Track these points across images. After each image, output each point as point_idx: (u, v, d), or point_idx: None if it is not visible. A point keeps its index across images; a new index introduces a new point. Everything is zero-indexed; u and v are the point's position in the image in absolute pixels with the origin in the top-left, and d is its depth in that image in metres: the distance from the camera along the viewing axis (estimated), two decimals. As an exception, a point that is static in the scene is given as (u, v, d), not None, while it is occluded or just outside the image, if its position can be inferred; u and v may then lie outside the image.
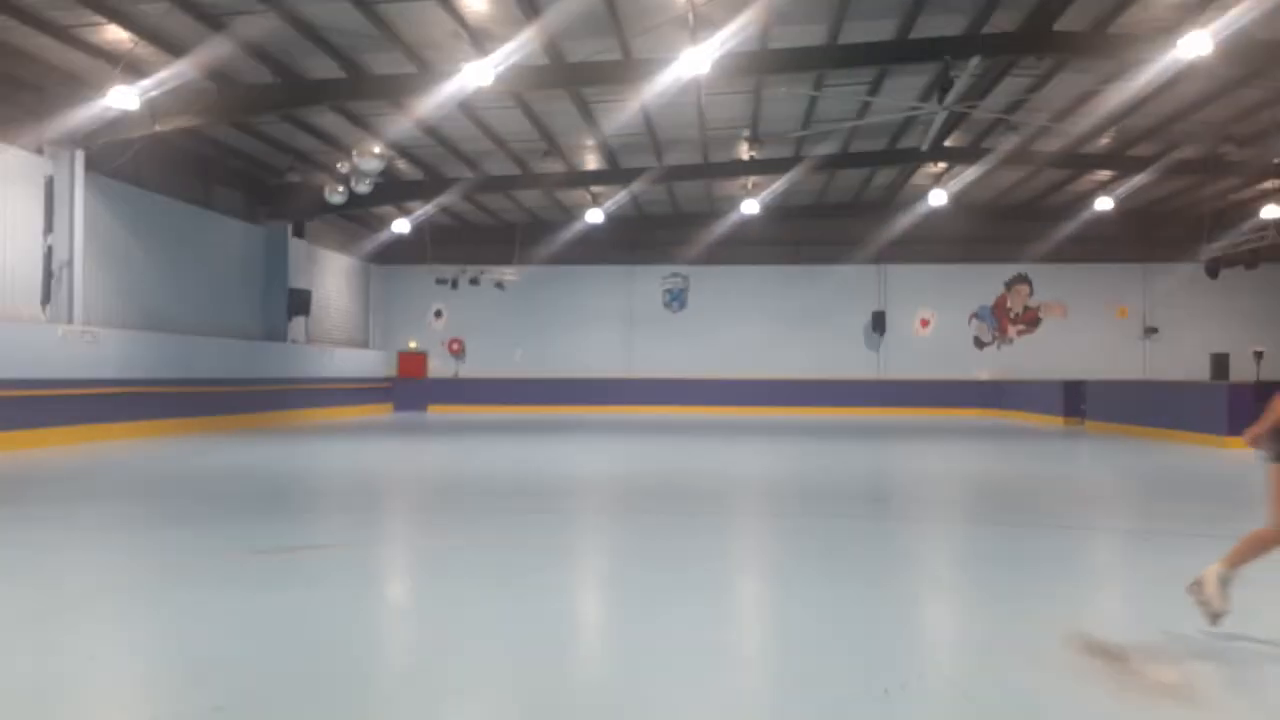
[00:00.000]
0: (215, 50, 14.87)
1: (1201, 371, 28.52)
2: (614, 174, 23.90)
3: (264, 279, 23.60)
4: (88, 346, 16.40)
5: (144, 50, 14.70)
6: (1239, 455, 14.60)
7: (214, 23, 14.12)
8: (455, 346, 31.31)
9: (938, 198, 24.67)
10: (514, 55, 14.59)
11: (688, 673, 4.10)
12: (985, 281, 30.41)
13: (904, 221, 28.32)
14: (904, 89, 18.25)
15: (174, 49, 14.77)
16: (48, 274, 16.24)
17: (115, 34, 14.33)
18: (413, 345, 31.62)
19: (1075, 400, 23.08)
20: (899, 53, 15.47)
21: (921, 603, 5.54)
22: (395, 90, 16.52)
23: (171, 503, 9.47)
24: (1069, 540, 7.58)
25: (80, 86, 15.65)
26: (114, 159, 17.41)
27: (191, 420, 19.08)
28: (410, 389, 30.77)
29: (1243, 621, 4.73)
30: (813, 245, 30.49)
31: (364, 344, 30.21)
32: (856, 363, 30.35)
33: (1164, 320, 29.79)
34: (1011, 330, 30.42)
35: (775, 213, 27.72)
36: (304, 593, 5.51)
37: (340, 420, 24.78)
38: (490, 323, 30.82)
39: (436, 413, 29.69)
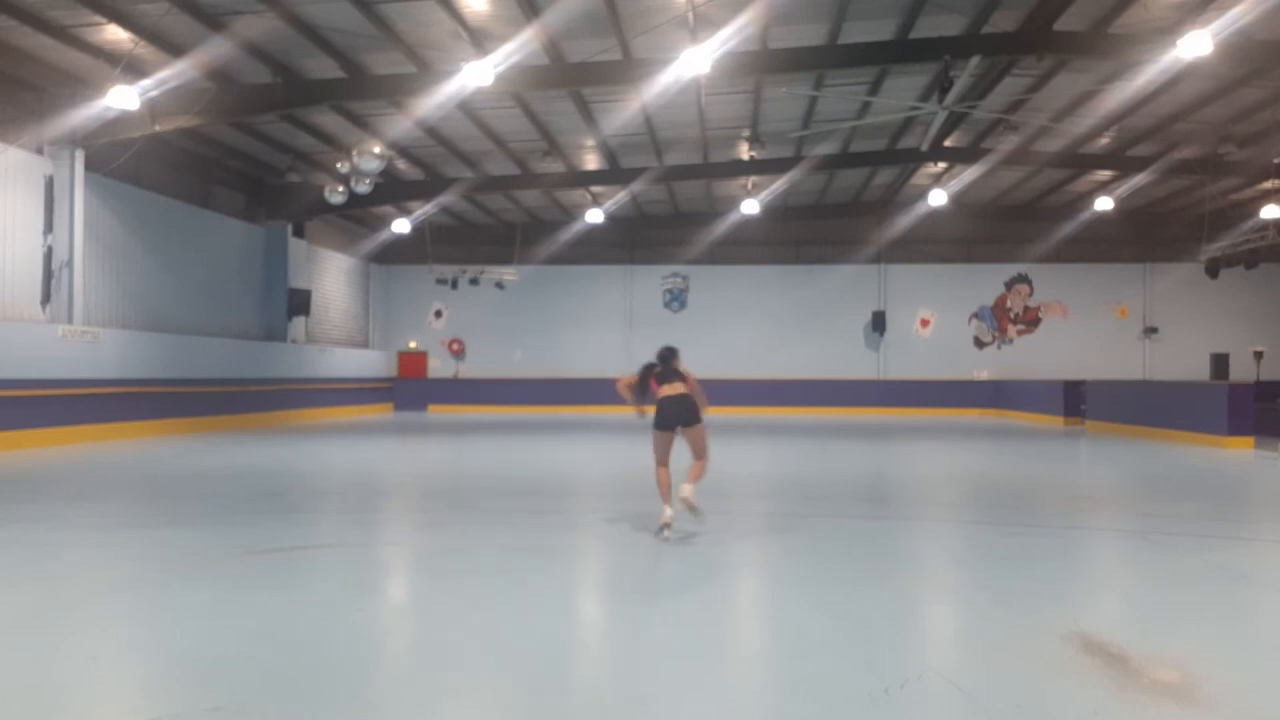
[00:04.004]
0: (215, 50, 14.87)
1: (1201, 371, 28.55)
2: (614, 174, 23.90)
3: (264, 279, 23.60)
4: (88, 346, 16.40)
5: (144, 50, 14.70)
6: (1239, 455, 14.60)
7: (213, 23, 14.12)
8: (455, 346, 31.31)
9: (937, 198, 24.68)
10: (514, 55, 14.58)
11: (688, 672, 4.10)
12: (985, 281, 30.41)
13: (904, 221, 28.36)
14: (904, 89, 18.25)
15: (174, 49, 14.77)
16: (48, 274, 16.25)
17: (115, 34, 14.32)
18: (413, 345, 31.61)
19: (1075, 400, 23.06)
20: (899, 53, 15.46)
21: (921, 602, 5.54)
22: (395, 90, 16.51)
23: (171, 503, 9.47)
24: (1069, 540, 7.58)
25: (80, 86, 15.65)
26: (114, 159, 17.41)
27: (191, 420, 19.08)
28: (410, 389, 30.77)
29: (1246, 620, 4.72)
30: (813, 245, 30.50)
31: (364, 344, 30.21)
32: (856, 363, 30.34)
33: (1164, 320, 29.78)
34: (1011, 330, 30.42)
35: (775, 213, 27.74)
36: (303, 593, 5.51)
37: (340, 420, 24.78)
38: (490, 323, 30.82)
39: (436, 413, 29.68)
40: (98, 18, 13.74)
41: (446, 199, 25.02)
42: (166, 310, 19.76)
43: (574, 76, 16.06)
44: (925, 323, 30.52)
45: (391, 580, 6.36)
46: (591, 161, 23.32)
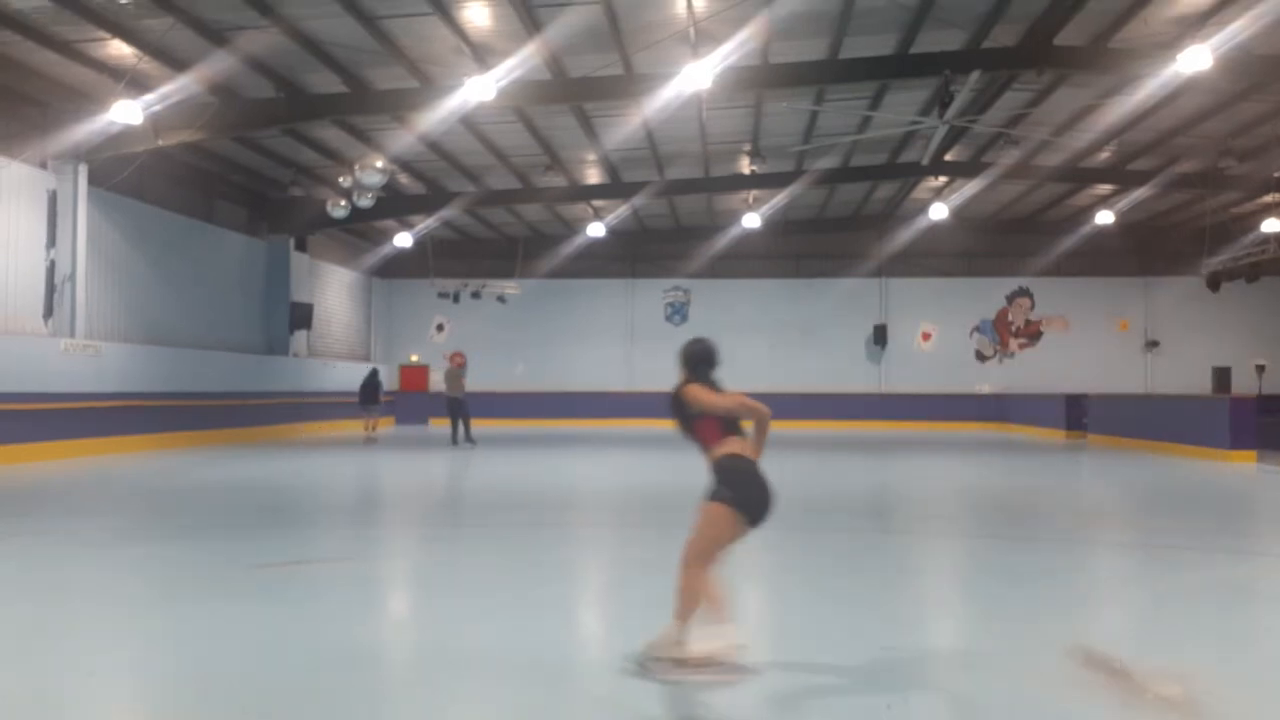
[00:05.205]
0: (218, 65, 14.93)
1: (1203, 385, 28.49)
2: (615, 188, 23.95)
3: (266, 293, 23.63)
4: (90, 360, 16.41)
5: (147, 65, 14.76)
6: (1242, 469, 14.57)
7: (217, 38, 14.19)
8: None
9: (938, 211, 24.72)
10: (516, 70, 14.64)
11: (686, 686, 4.08)
12: (987, 295, 30.40)
13: (905, 235, 28.39)
14: (904, 103, 18.30)
15: (177, 64, 14.83)
16: (50, 288, 16.27)
17: (118, 49, 14.39)
18: (414, 359, 31.60)
19: (1077, 414, 23.03)
20: (899, 68, 15.51)
21: (924, 616, 5.52)
22: (397, 105, 16.58)
23: (174, 517, 9.45)
24: (1071, 554, 7.56)
25: (84, 101, 15.71)
26: (117, 173, 17.46)
27: (193, 434, 19.06)
28: (412, 402, 30.73)
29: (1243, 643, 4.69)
30: (814, 259, 30.52)
31: (365, 357, 30.19)
32: (858, 376, 30.30)
33: (1165, 333, 29.76)
34: (1013, 344, 30.40)
35: (776, 227, 27.78)
36: (307, 607, 5.49)
37: (342, 434, 24.75)
38: (492, 336, 30.79)
39: (438, 426, 29.64)
40: (101, 33, 13.81)
41: (448, 213, 25.08)
42: (168, 324, 19.78)
43: (576, 91, 16.12)
44: (927, 336, 30.51)
45: (394, 595, 6.35)
46: (593, 176, 23.38)
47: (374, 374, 22.44)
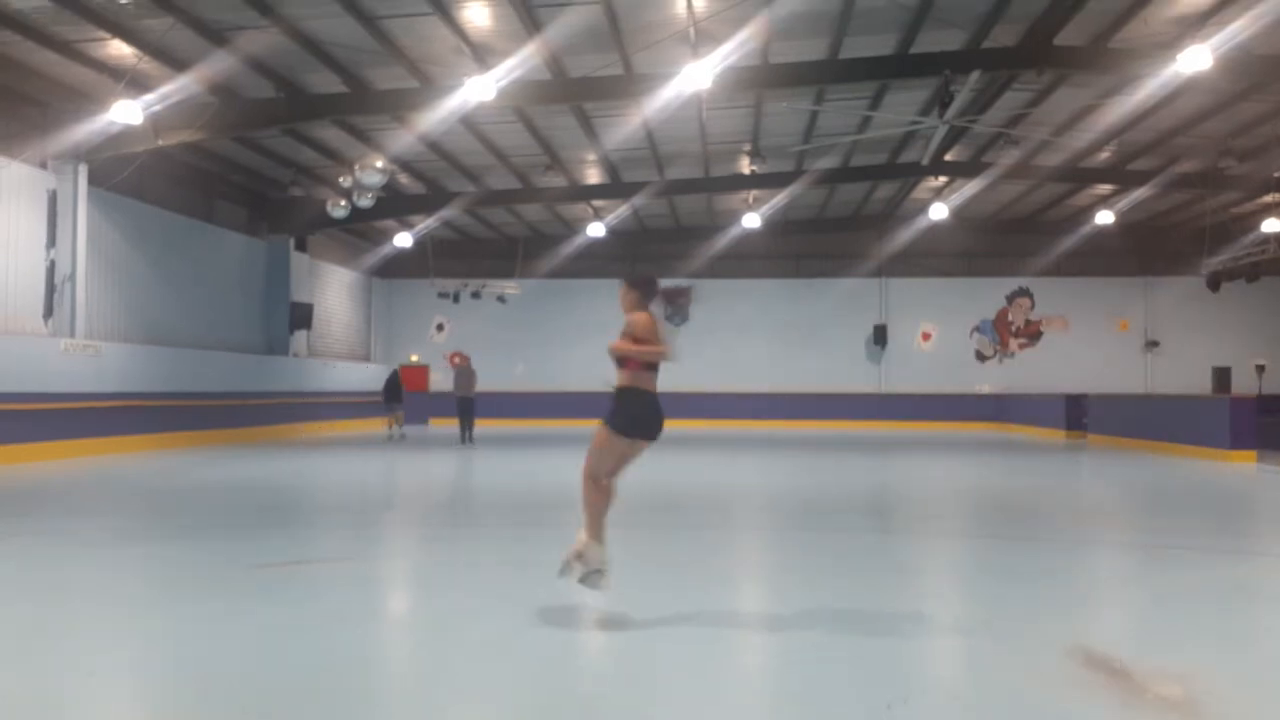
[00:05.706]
0: (218, 65, 14.94)
1: (1203, 385, 28.49)
2: (615, 188, 23.96)
3: (266, 293, 23.63)
4: (90, 360, 16.41)
5: (147, 65, 14.77)
6: (1242, 469, 14.57)
7: (217, 38, 14.19)
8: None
9: (939, 211, 24.73)
10: (516, 70, 14.65)
11: (687, 688, 4.08)
12: (987, 295, 30.41)
13: (905, 235, 28.41)
14: (904, 103, 18.30)
15: (177, 64, 14.83)
16: (50, 288, 16.27)
17: (118, 49, 14.39)
18: (414, 359, 31.59)
19: (1077, 414, 23.03)
20: (899, 68, 15.53)
21: (924, 617, 5.51)
22: (397, 105, 16.59)
23: (174, 517, 9.45)
24: (1071, 554, 7.56)
25: (83, 101, 15.72)
26: (117, 173, 17.47)
27: (193, 434, 19.06)
28: (412, 402, 30.68)
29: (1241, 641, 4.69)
30: (814, 259, 30.52)
31: (365, 357, 30.22)
32: (858, 376, 30.32)
33: (1165, 333, 29.76)
34: (1013, 344, 30.40)
35: (776, 227, 27.79)
36: (307, 607, 5.49)
37: (342, 434, 24.76)
38: (492, 336, 30.77)
39: (438, 426, 29.65)
40: (101, 33, 13.81)
41: (448, 213, 25.08)
42: (168, 324, 19.78)
43: (576, 91, 16.13)
44: (927, 336, 30.52)
45: (394, 595, 6.35)
46: (593, 176, 23.38)
47: (395, 375, 23.76)
